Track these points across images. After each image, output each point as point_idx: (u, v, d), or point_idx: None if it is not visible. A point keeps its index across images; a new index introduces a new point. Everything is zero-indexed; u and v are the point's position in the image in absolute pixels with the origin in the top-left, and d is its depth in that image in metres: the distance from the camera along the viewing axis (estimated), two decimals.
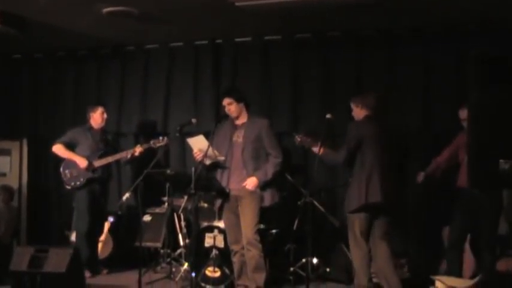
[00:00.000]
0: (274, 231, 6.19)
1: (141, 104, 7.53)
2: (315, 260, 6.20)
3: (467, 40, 6.13)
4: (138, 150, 6.37)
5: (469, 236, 5.61)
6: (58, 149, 6.58)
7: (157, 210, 6.92)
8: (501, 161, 3.36)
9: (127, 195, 5.51)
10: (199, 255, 5.75)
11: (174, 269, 6.37)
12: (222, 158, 5.44)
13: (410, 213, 6.32)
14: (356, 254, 5.18)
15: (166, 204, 6.72)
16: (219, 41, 7.22)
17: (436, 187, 6.06)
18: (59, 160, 6.67)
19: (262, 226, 5.66)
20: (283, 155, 5.50)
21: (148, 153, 6.28)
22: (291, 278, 6.07)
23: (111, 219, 7.06)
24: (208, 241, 5.89)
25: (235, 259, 5.51)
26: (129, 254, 6.64)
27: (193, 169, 5.36)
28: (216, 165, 5.52)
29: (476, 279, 4.97)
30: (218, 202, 5.58)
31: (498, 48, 5.76)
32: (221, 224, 5.83)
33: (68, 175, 6.49)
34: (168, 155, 7.32)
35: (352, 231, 5.17)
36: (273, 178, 5.40)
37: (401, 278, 5.61)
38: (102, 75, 7.76)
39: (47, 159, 7.61)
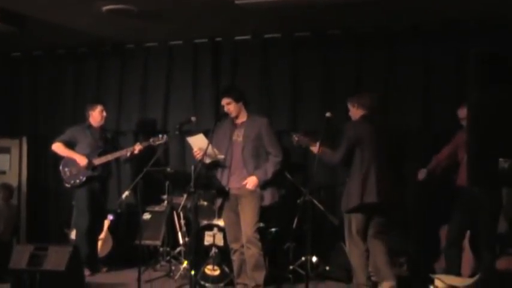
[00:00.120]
0: (273, 229, 6.19)
1: (141, 102, 7.53)
2: (314, 259, 6.21)
3: (467, 40, 6.12)
4: (137, 148, 6.37)
5: (468, 234, 5.61)
6: (58, 147, 6.57)
7: (157, 208, 6.92)
8: (501, 159, 3.36)
9: (126, 193, 5.51)
10: (198, 254, 5.75)
11: (173, 267, 6.39)
12: (221, 157, 5.44)
13: (409, 213, 6.32)
14: (353, 252, 5.19)
15: (165, 202, 6.72)
16: (218, 39, 7.22)
17: (436, 186, 6.07)
18: (58, 158, 6.67)
19: (261, 225, 5.66)
20: (283, 153, 5.50)
21: (148, 152, 6.28)
22: (290, 276, 6.08)
23: (110, 217, 7.06)
24: (207, 239, 5.90)
25: (234, 257, 5.51)
26: (129, 252, 6.65)
27: (192, 167, 5.37)
28: (216, 164, 5.52)
29: (476, 277, 4.98)
30: (218, 201, 5.58)
31: (498, 48, 5.76)
32: (221, 223, 5.83)
33: (68, 173, 6.49)
34: (167, 153, 7.32)
35: (349, 230, 5.18)
36: (273, 177, 5.40)
37: (401, 277, 5.65)
38: (101, 73, 7.76)
39: (47, 157, 7.61)
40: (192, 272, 5.13)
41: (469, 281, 4.97)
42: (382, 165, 5.11)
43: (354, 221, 5.14)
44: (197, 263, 5.64)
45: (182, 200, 6.37)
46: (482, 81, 3.46)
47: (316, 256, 6.22)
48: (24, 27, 6.52)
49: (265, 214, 5.57)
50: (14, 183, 7.79)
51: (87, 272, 6.18)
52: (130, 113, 7.57)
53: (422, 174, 5.72)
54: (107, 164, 6.60)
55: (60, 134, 6.69)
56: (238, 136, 5.46)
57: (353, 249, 5.19)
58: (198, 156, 5.34)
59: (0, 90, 8.14)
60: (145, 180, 5.28)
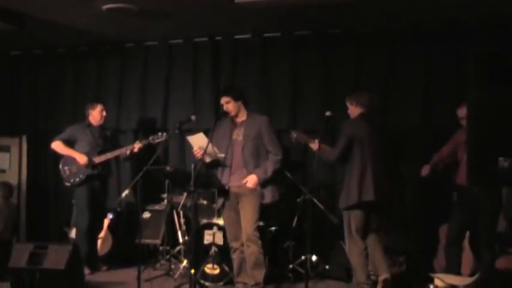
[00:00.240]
0: (273, 228, 6.19)
1: (141, 101, 7.52)
2: (314, 258, 6.22)
3: (467, 40, 6.12)
4: (137, 146, 6.37)
5: (468, 233, 5.62)
6: (57, 145, 6.57)
7: (157, 207, 6.92)
8: (500, 159, 3.36)
9: (126, 192, 5.52)
10: (198, 253, 5.75)
11: (173, 266, 6.39)
12: (222, 156, 5.44)
13: (409, 211, 6.33)
14: (353, 251, 5.21)
15: (165, 201, 6.72)
16: (218, 38, 7.22)
17: (435, 185, 6.08)
18: (58, 157, 6.67)
19: (261, 223, 5.66)
20: (282, 152, 5.50)
21: (148, 150, 6.27)
22: (290, 275, 6.08)
23: (110, 216, 7.06)
24: (207, 238, 5.90)
25: (234, 256, 5.51)
26: (129, 251, 6.65)
27: (192, 166, 5.37)
28: (216, 163, 5.52)
29: (475, 276, 4.98)
30: (219, 201, 5.58)
31: (498, 48, 5.76)
32: (220, 221, 5.83)
33: (68, 172, 6.49)
34: (167, 152, 7.33)
35: (348, 229, 5.20)
36: (272, 176, 5.40)
37: (400, 276, 5.66)
38: (101, 72, 7.76)
39: (47, 155, 7.62)
40: (192, 271, 5.13)
41: (469, 280, 4.98)
42: (379, 164, 5.13)
43: (353, 220, 5.16)
44: (197, 261, 5.64)
45: (182, 198, 6.36)
46: (482, 81, 3.46)
47: (316, 255, 6.23)
48: (24, 26, 6.52)
49: (265, 213, 5.58)
50: (13, 181, 7.80)
51: (87, 271, 6.17)
52: (130, 112, 7.57)
53: (426, 170, 5.68)
54: (106, 163, 6.61)
55: (59, 132, 6.69)
56: (238, 135, 5.46)
57: (352, 248, 5.20)
58: (198, 155, 5.34)
59: (0, 89, 8.14)
60: (145, 179, 5.28)
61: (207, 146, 5.22)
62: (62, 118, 7.67)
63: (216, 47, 7.24)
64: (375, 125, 5.23)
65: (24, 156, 8.08)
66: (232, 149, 5.46)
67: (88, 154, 6.45)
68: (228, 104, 5.45)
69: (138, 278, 5.23)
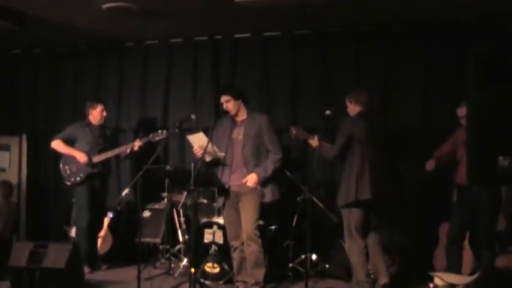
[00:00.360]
0: (273, 227, 6.20)
1: (140, 100, 7.52)
2: (314, 256, 6.22)
3: (467, 40, 6.12)
4: (137, 144, 6.36)
5: (468, 232, 5.62)
6: (57, 144, 6.57)
7: (157, 206, 6.93)
8: (500, 158, 3.37)
9: (126, 191, 5.53)
10: (198, 251, 5.76)
11: (173, 265, 6.40)
12: (222, 155, 5.44)
13: (408, 210, 6.33)
14: (352, 249, 5.21)
15: (165, 200, 6.73)
16: (218, 37, 7.22)
17: (435, 184, 6.08)
18: (58, 156, 6.67)
19: (261, 222, 5.66)
20: (282, 151, 5.50)
21: (148, 149, 6.27)
22: (290, 274, 6.09)
23: (110, 214, 7.07)
24: (207, 237, 5.90)
25: (234, 255, 5.51)
26: (129, 250, 6.65)
27: (192, 165, 5.37)
28: (216, 162, 5.52)
29: (475, 275, 4.98)
30: (219, 200, 5.58)
31: (498, 48, 5.76)
32: (220, 220, 5.84)
33: (68, 171, 6.49)
34: (167, 151, 7.33)
35: (348, 227, 5.22)
36: (272, 174, 5.40)
37: (400, 275, 5.67)
38: (101, 71, 7.75)
39: (47, 154, 7.62)
40: (192, 270, 5.13)
41: (469, 279, 4.98)
42: (378, 163, 5.14)
43: (352, 218, 5.17)
44: (197, 260, 5.64)
45: (182, 197, 6.38)
46: (482, 81, 3.47)
47: (316, 254, 6.23)
48: (24, 25, 6.52)
49: (264, 212, 5.58)
50: (13, 180, 7.80)
51: (86, 270, 6.18)
52: (129, 111, 7.57)
53: (431, 164, 5.63)
54: (106, 162, 6.60)
55: (59, 131, 6.69)
56: (239, 134, 5.46)
57: (352, 246, 5.21)
58: (198, 154, 5.35)
59: (0, 87, 8.14)
60: (145, 178, 5.27)
61: (206, 145, 5.22)
62: (61, 117, 7.67)
63: (216, 46, 7.24)
64: (373, 124, 5.24)
65: (24, 155, 8.08)
66: (233, 148, 5.46)
67: (88, 153, 6.45)
68: (228, 103, 5.45)
69: (138, 277, 5.23)
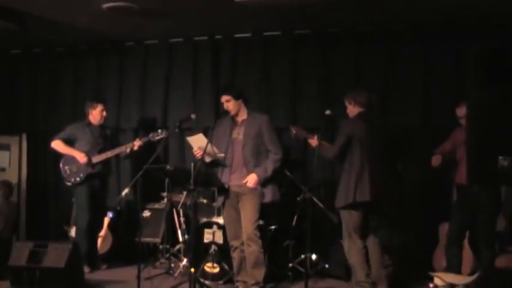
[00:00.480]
0: (273, 227, 6.20)
1: (140, 100, 7.52)
2: (313, 256, 6.22)
3: (467, 40, 6.12)
4: (137, 144, 6.36)
5: (467, 232, 5.62)
6: (57, 144, 6.57)
7: (157, 205, 6.93)
8: (500, 158, 3.37)
9: (126, 190, 5.53)
10: (198, 251, 5.76)
11: (173, 265, 6.39)
12: (221, 156, 5.44)
13: (408, 211, 6.33)
14: (352, 250, 5.21)
15: (165, 199, 6.72)
16: (218, 37, 7.22)
17: (434, 184, 6.08)
18: (58, 156, 6.67)
19: (261, 222, 5.66)
20: (283, 151, 5.50)
21: (148, 149, 6.27)
22: (289, 274, 6.09)
23: (110, 214, 7.07)
24: (207, 237, 5.90)
25: (234, 255, 5.51)
26: (128, 250, 6.66)
27: (192, 165, 5.37)
28: (215, 163, 5.52)
29: (475, 275, 4.98)
30: (219, 200, 5.58)
31: (498, 48, 5.76)
32: (220, 220, 5.84)
33: (68, 171, 6.49)
34: (167, 151, 7.33)
35: (347, 228, 5.21)
36: (272, 175, 5.40)
37: (400, 275, 5.66)
38: (101, 71, 7.76)
39: (46, 154, 7.61)
40: (192, 270, 5.13)
41: (469, 279, 4.98)
42: (377, 164, 5.14)
43: (351, 219, 5.17)
44: (197, 260, 5.64)
45: (182, 197, 6.39)
46: (482, 81, 3.47)
47: (316, 254, 6.23)
48: (24, 24, 6.52)
49: (264, 212, 5.58)
50: (13, 180, 7.80)
51: (86, 269, 6.18)
52: (130, 110, 7.57)
53: (437, 160, 5.59)
54: (106, 162, 6.60)
55: (59, 131, 6.69)
56: (239, 134, 5.46)
57: (351, 247, 5.21)
58: (198, 155, 5.34)
59: (0, 87, 8.14)
60: (145, 177, 5.27)
61: (206, 147, 5.22)
62: (61, 116, 7.66)
63: (216, 45, 7.24)
64: (373, 124, 5.23)
65: (24, 154, 8.08)
66: (233, 148, 5.45)
67: (88, 153, 6.45)
68: (228, 103, 5.44)
69: (138, 277, 5.23)
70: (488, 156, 3.42)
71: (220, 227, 5.84)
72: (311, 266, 6.10)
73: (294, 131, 5.52)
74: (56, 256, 5.34)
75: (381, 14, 6.19)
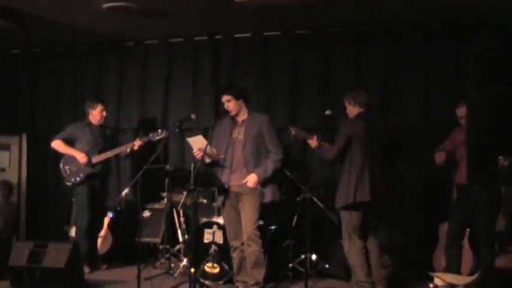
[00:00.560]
0: (273, 227, 6.20)
1: (140, 100, 7.52)
2: (314, 256, 6.22)
3: (467, 40, 6.12)
4: (137, 143, 6.36)
5: (467, 232, 5.62)
6: (57, 144, 6.57)
7: (157, 205, 6.93)
8: (500, 158, 3.37)
9: (126, 190, 5.53)
10: (198, 251, 5.76)
11: (173, 265, 6.39)
12: (221, 157, 5.44)
13: (408, 211, 6.33)
14: (351, 250, 5.21)
15: (165, 199, 6.72)
16: (218, 37, 7.22)
17: (434, 184, 6.09)
18: (58, 156, 6.67)
19: (261, 222, 5.66)
20: (283, 151, 5.50)
21: (148, 149, 6.27)
22: (289, 274, 6.09)
23: (110, 214, 7.06)
24: (207, 237, 5.90)
25: (234, 255, 5.51)
26: (128, 250, 6.66)
27: (192, 165, 5.37)
28: (215, 164, 5.52)
29: (475, 275, 4.98)
30: (219, 200, 5.58)
31: (498, 48, 5.76)
32: (220, 220, 5.84)
33: (68, 171, 6.49)
34: (167, 151, 7.33)
35: (347, 228, 5.21)
36: (272, 175, 5.39)
37: (400, 275, 5.67)
38: (101, 71, 7.75)
39: (46, 154, 7.62)
40: (192, 270, 5.13)
41: (469, 279, 4.97)
42: (377, 164, 5.14)
43: (351, 220, 5.16)
44: (197, 260, 5.64)
45: (182, 197, 6.39)
46: (481, 80, 3.47)
47: (316, 254, 6.23)
48: (24, 24, 6.52)
49: (264, 212, 5.57)
50: (13, 180, 7.80)
51: (86, 269, 6.18)
52: (129, 110, 7.57)
53: (442, 156, 5.56)
54: (106, 161, 6.60)
55: (59, 131, 6.69)
56: (239, 134, 5.45)
57: (351, 247, 5.21)
58: (197, 156, 5.34)
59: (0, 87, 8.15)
60: (145, 177, 5.27)
61: (205, 148, 5.22)
62: (61, 116, 7.66)
63: (216, 45, 7.24)
64: (373, 125, 5.23)
65: (24, 154, 8.09)
66: (233, 148, 5.45)
67: (88, 153, 6.45)
68: (229, 103, 5.44)
69: (138, 277, 5.23)
70: (488, 156, 3.42)
71: (220, 227, 5.84)
72: (311, 266, 6.10)
73: (294, 132, 5.51)
74: (56, 256, 5.34)
75: (381, 14, 6.19)
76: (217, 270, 5.82)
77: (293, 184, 6.18)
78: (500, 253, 5.33)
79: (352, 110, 5.31)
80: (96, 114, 6.58)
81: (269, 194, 5.43)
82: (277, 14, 6.19)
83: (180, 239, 6.62)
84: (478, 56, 3.50)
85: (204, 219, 6.13)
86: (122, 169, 7.49)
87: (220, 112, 5.62)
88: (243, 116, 5.50)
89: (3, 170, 8.10)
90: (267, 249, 5.69)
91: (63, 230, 7.16)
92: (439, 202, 6.08)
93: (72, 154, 6.46)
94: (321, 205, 6.05)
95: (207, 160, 5.44)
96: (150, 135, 6.30)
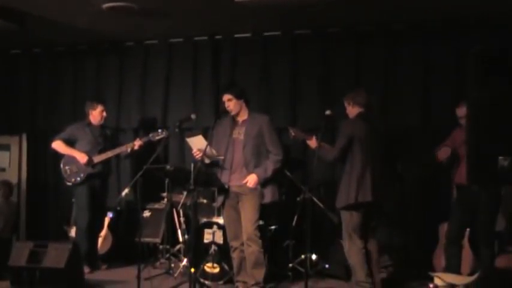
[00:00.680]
0: (273, 227, 6.20)
1: (140, 100, 7.52)
2: (313, 256, 6.22)
3: (467, 40, 6.12)
4: (137, 143, 6.37)
5: (467, 232, 5.62)
6: (58, 145, 6.57)
7: (157, 205, 6.93)
8: (500, 157, 3.38)
9: (126, 190, 5.52)
10: (198, 251, 5.76)
11: (173, 265, 6.39)
12: (221, 158, 5.43)
13: (408, 211, 6.33)
14: (351, 250, 5.20)
15: (165, 200, 6.73)
16: (218, 37, 7.22)
17: (434, 184, 6.09)
18: (58, 156, 6.67)
19: (261, 222, 5.66)
20: (283, 152, 5.49)
21: (148, 149, 6.27)
22: (289, 274, 6.09)
23: (110, 214, 7.06)
24: (207, 237, 5.90)
25: (234, 255, 5.51)
26: (128, 250, 6.66)
27: (192, 165, 5.36)
28: (215, 164, 5.51)
29: (475, 275, 4.99)
30: (219, 200, 5.58)
31: (498, 48, 5.76)
32: (220, 220, 5.84)
33: (68, 171, 6.49)
34: (167, 151, 7.33)
35: (347, 228, 5.21)
36: (272, 175, 5.39)
37: (400, 275, 5.67)
38: (101, 71, 7.75)
39: (46, 154, 7.61)
40: (192, 270, 5.13)
41: (469, 279, 4.98)
42: (377, 164, 5.13)
43: (351, 220, 5.16)
44: (197, 260, 5.64)
45: (182, 197, 6.39)
46: (481, 80, 3.48)
47: (316, 254, 6.23)
48: (24, 24, 6.52)
49: (264, 212, 5.57)
50: (13, 180, 7.80)
51: (86, 269, 6.18)
52: (130, 110, 7.57)
53: (446, 152, 5.50)
54: (107, 162, 6.60)
55: (59, 131, 6.69)
56: (240, 134, 5.44)
57: (351, 247, 5.20)
58: (197, 157, 5.34)
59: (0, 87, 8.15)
60: (145, 177, 5.27)
61: (205, 148, 5.22)
62: (61, 116, 7.66)
63: (216, 45, 7.24)
64: (373, 125, 5.23)
65: (24, 154, 8.09)
66: (233, 148, 5.44)
67: (88, 153, 6.45)
68: (230, 102, 5.43)
69: (138, 277, 5.23)
70: (488, 156, 3.42)
71: (220, 227, 5.84)
72: (311, 266, 6.10)
73: (293, 133, 5.50)
74: (56, 256, 5.34)
75: (380, 14, 6.19)
76: (217, 270, 5.82)
77: (293, 184, 6.18)
78: (500, 253, 5.33)
79: (352, 111, 5.31)
80: (96, 115, 6.59)
81: (269, 195, 5.42)
82: (277, 14, 6.19)
83: (180, 239, 6.62)
84: (478, 56, 3.50)
85: (204, 219, 6.13)
86: (122, 169, 7.49)
87: (221, 112, 5.62)
88: (243, 116, 5.50)
89: (3, 170, 8.10)
90: (267, 249, 5.69)
91: (63, 230, 7.16)
92: (439, 202, 6.08)
93: (73, 154, 6.46)
94: (321, 205, 6.05)
95: (206, 161, 5.44)
96: (150, 135, 6.30)
